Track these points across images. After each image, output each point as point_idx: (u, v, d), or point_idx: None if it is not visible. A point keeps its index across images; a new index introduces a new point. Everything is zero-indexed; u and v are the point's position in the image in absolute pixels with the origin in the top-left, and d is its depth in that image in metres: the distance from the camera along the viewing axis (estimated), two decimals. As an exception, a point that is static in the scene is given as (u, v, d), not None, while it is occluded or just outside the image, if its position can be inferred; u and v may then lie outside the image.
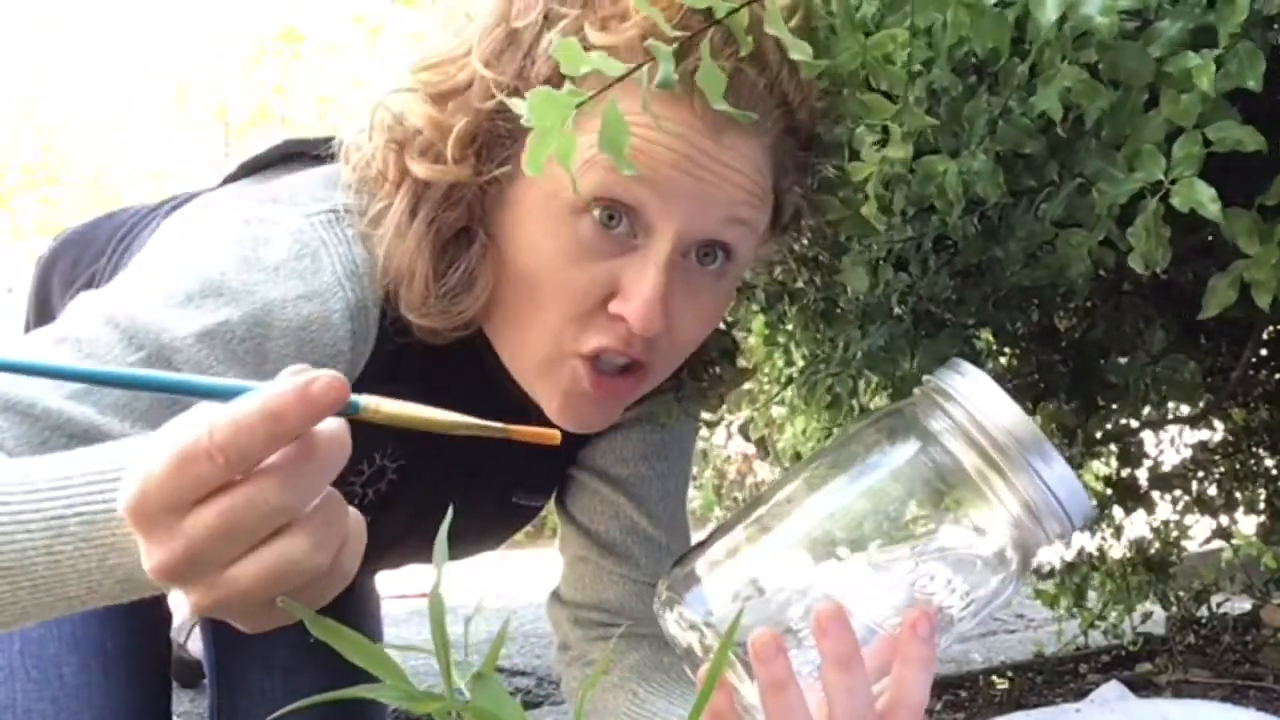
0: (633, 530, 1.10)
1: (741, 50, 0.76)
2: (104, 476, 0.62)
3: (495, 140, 0.84)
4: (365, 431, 0.94)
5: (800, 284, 1.31)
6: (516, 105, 0.67)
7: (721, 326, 1.10)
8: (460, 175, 0.84)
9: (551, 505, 1.18)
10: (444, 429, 0.59)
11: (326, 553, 0.54)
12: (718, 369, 1.07)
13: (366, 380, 0.88)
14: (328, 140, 0.95)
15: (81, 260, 1.09)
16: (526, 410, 0.98)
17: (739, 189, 0.83)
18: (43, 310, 1.12)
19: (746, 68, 0.78)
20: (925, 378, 0.73)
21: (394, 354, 0.89)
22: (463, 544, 1.15)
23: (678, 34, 0.71)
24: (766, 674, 0.64)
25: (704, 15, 0.73)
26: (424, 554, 1.14)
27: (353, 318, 0.86)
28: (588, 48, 0.78)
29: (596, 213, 0.81)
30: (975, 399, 0.68)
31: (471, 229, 0.86)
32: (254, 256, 0.83)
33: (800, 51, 0.75)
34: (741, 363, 1.12)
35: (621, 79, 0.68)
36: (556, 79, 0.78)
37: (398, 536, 1.05)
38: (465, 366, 0.93)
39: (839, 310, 1.35)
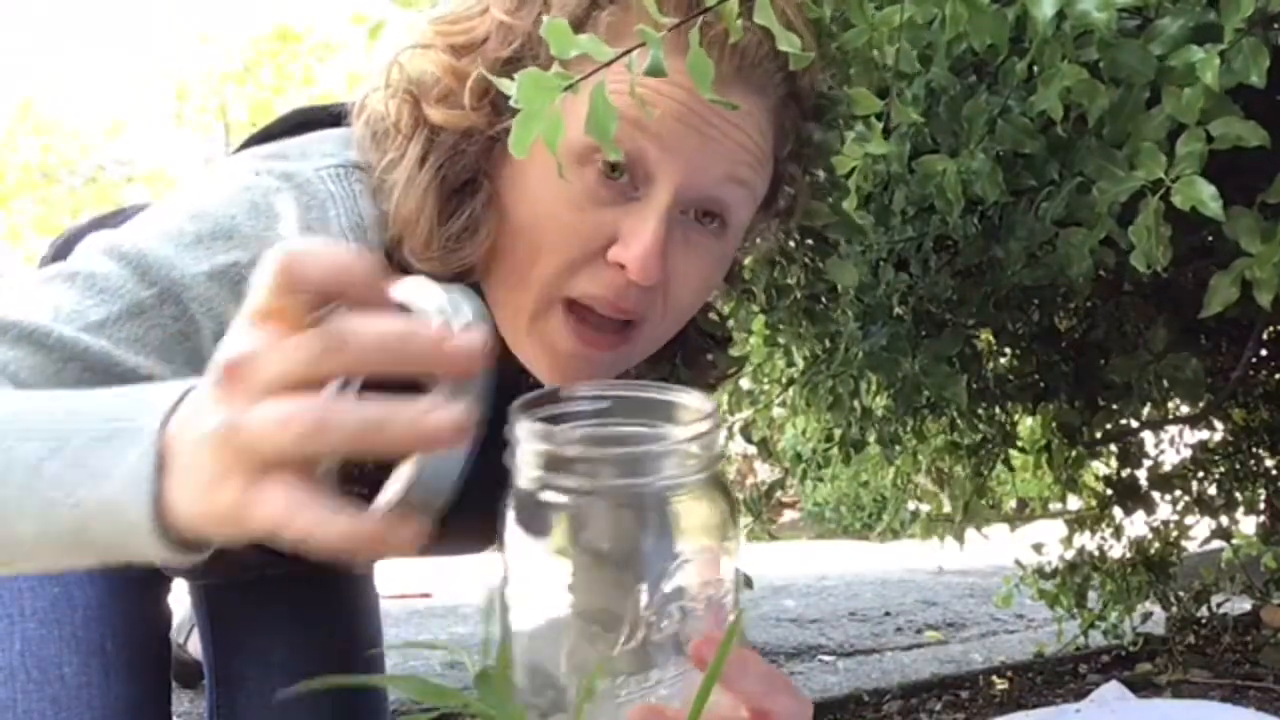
0: None
1: (733, 36, 0.76)
2: (125, 412, 0.61)
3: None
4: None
5: (789, 280, 1.30)
6: (504, 85, 0.67)
7: (715, 316, 1.09)
8: (475, 122, 0.85)
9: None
10: None
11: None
12: (711, 356, 1.06)
13: None
14: (337, 106, 0.96)
15: None
16: (522, 384, 0.98)
17: (740, 147, 0.83)
18: None
19: (753, 28, 0.78)
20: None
21: None
22: (465, 532, 1.15)
23: (667, 21, 0.71)
24: None
25: (694, 2, 0.74)
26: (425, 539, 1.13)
27: None
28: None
29: (599, 163, 0.81)
30: (534, 444, 0.64)
31: (477, 180, 0.87)
32: (264, 204, 0.85)
33: (788, 44, 0.75)
34: (734, 352, 1.11)
35: (612, 61, 0.68)
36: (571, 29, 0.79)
37: None
38: None
39: (822, 307, 1.35)
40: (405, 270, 0.88)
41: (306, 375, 0.52)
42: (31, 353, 0.74)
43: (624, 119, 0.76)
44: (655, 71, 0.69)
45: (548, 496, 0.64)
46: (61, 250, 1.14)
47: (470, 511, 1.09)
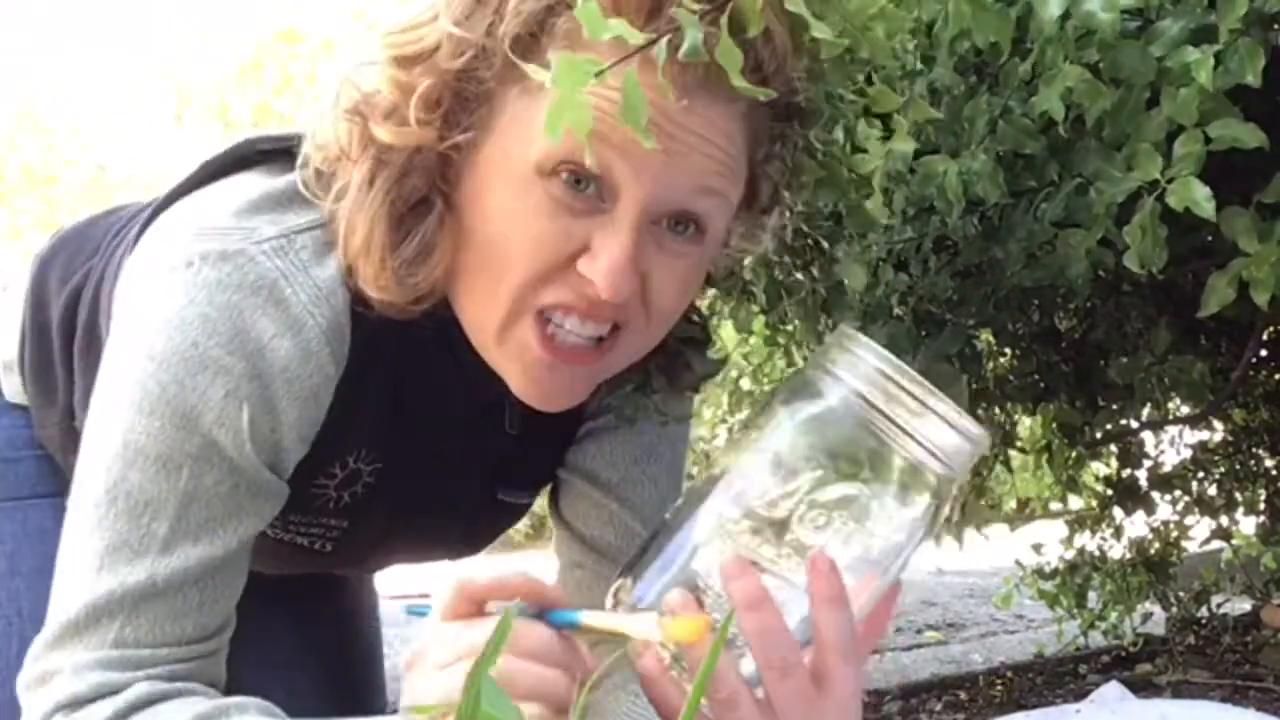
0: (628, 535, 1.08)
1: (751, 30, 0.75)
2: None
3: (462, 104, 0.81)
4: (335, 434, 0.91)
5: (798, 276, 1.29)
6: (534, 70, 0.67)
7: (695, 319, 1.07)
8: (424, 138, 0.81)
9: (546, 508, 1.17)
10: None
11: None
12: (688, 361, 1.05)
13: (341, 378, 0.88)
14: (289, 137, 0.93)
15: (78, 257, 1.08)
16: (501, 402, 0.97)
17: (708, 158, 0.80)
18: (39, 305, 1.10)
19: (718, 35, 0.77)
20: (815, 349, 0.75)
21: (366, 349, 0.89)
22: (450, 543, 1.14)
23: (700, 7, 0.71)
24: (739, 590, 0.67)
25: (654, 8, 0.73)
26: (411, 553, 1.13)
27: (329, 341, 0.85)
28: (567, 5, 0.77)
29: (564, 176, 0.78)
30: (865, 359, 0.70)
31: (430, 198, 0.83)
32: (216, 313, 0.82)
33: (820, 30, 0.75)
34: (713, 354, 1.09)
35: (642, 49, 0.67)
36: (526, 38, 0.77)
37: (380, 537, 1.04)
38: (438, 357, 0.92)
39: (842, 298, 1.34)
40: (365, 304, 0.86)
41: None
42: (154, 607, 0.81)
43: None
44: (693, 54, 0.69)
45: (856, 405, 0.70)
46: (58, 250, 1.13)
47: (456, 516, 1.08)
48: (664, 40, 0.70)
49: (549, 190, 0.79)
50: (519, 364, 0.85)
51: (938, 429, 0.69)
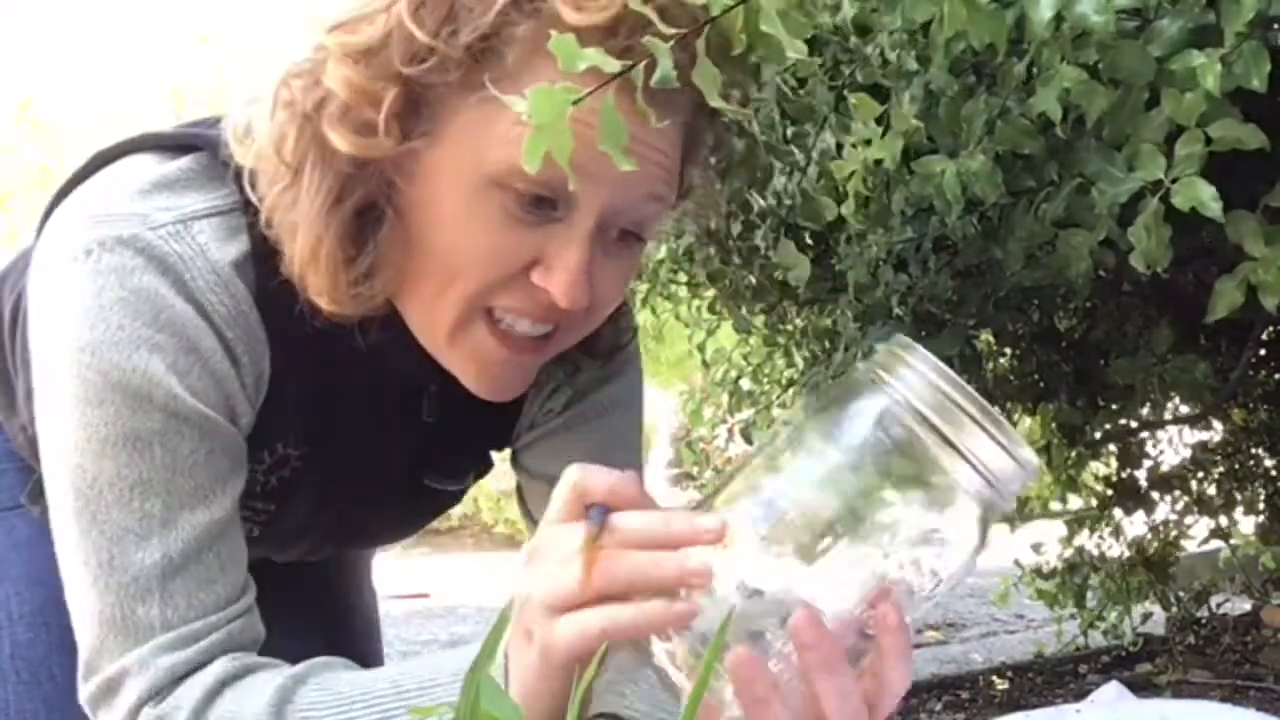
0: None
1: (735, 48, 0.75)
2: (454, 678, 0.77)
3: (416, 108, 0.79)
4: (266, 420, 0.91)
5: (731, 267, 1.29)
6: (515, 103, 0.66)
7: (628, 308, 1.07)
8: (384, 148, 0.78)
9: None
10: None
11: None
12: (599, 331, 1.05)
13: (270, 369, 0.88)
14: (185, 134, 0.92)
15: (19, 263, 1.07)
16: (417, 391, 0.97)
17: (658, 167, 0.81)
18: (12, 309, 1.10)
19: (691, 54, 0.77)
20: (860, 362, 0.73)
21: (280, 338, 0.87)
22: (378, 529, 1.14)
23: (674, 32, 0.70)
24: (748, 694, 0.65)
25: (700, 12, 0.73)
26: (340, 537, 1.12)
27: (230, 326, 0.84)
28: (560, 26, 0.74)
29: (520, 186, 0.77)
30: (920, 372, 0.67)
31: (379, 205, 0.81)
32: (130, 296, 0.81)
33: (796, 50, 0.75)
34: (737, 352, 1.10)
35: (619, 76, 0.67)
36: (477, 48, 0.76)
37: (307, 521, 1.03)
38: (343, 346, 0.90)
39: (766, 285, 1.34)
40: (288, 319, 0.85)
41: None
42: (182, 581, 0.81)
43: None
44: (665, 82, 0.69)
45: (908, 419, 0.67)
46: (14, 262, 1.11)
47: (385, 503, 1.08)
48: (641, 66, 0.69)
49: (502, 202, 0.78)
50: (476, 362, 0.86)
51: (990, 451, 0.66)
